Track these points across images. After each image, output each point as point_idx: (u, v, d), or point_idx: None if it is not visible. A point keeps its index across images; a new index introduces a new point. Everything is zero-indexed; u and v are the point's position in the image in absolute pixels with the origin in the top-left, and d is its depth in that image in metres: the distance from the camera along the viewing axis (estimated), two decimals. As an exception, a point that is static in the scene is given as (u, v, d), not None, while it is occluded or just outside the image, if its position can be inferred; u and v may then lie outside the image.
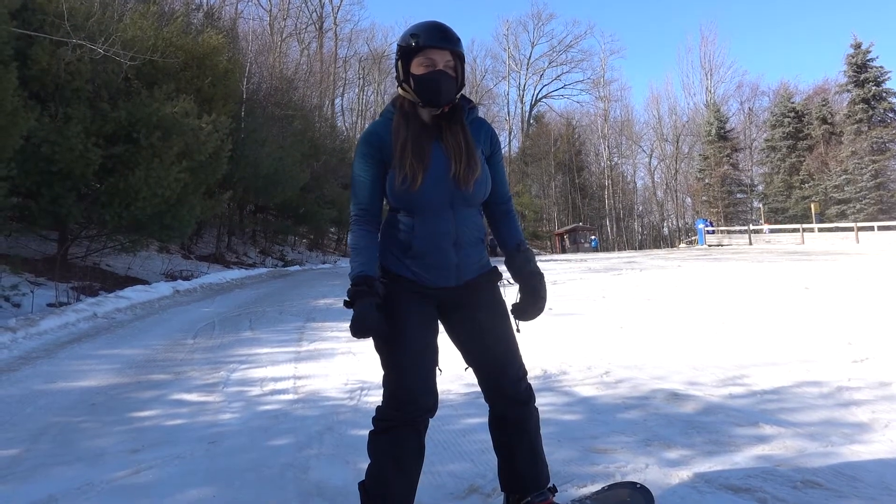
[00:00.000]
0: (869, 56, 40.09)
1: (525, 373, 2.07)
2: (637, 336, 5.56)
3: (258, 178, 19.70)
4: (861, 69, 40.06)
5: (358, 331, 1.83)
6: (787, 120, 44.22)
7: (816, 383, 3.75)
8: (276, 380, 4.37)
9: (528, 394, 2.07)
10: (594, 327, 6.10)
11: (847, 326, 5.55)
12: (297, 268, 21.99)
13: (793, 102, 45.36)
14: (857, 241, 25.56)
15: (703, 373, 4.09)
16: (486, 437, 2.92)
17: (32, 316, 7.46)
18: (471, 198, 1.94)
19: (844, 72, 41.20)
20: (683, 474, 2.48)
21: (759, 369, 4.12)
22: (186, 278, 13.95)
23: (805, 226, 30.19)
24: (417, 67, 1.90)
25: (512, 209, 2.14)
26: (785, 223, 36.09)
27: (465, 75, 2.00)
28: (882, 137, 38.09)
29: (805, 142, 43.03)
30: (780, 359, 4.40)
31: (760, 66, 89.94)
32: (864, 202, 36.56)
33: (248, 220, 25.70)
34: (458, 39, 1.94)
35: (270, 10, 44.68)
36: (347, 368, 4.63)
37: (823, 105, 43.22)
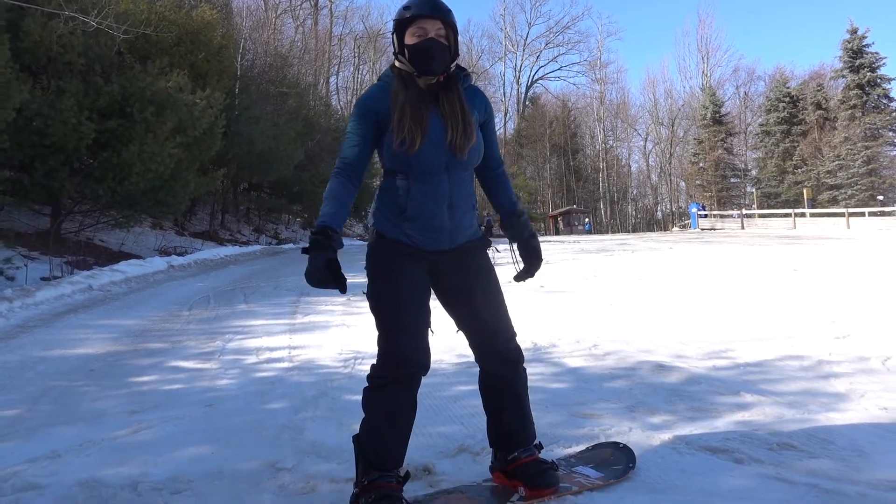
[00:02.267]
0: (864, 42, 40.08)
1: (514, 334, 2.14)
2: (626, 312, 5.66)
3: (252, 155, 19.66)
4: (856, 55, 40.07)
5: (309, 282, 1.92)
6: (781, 105, 44.27)
7: (798, 357, 3.85)
8: (271, 349, 4.45)
9: (517, 353, 2.15)
10: (584, 304, 6.20)
11: (832, 306, 5.67)
12: (290, 246, 22.03)
13: (788, 87, 45.39)
14: (848, 227, 25.79)
15: (689, 346, 4.19)
16: (476, 402, 3.01)
17: (28, 287, 7.50)
18: (466, 163, 2.01)
19: (840, 57, 41.22)
20: (665, 437, 2.58)
21: (743, 344, 4.23)
22: (181, 254, 13.98)
23: (797, 210, 30.39)
24: (410, 38, 1.96)
25: (504, 173, 2.22)
26: (777, 208, 36.28)
27: (458, 45, 2.05)
28: (875, 123, 38.22)
29: (799, 127, 43.13)
30: (765, 335, 4.51)
31: (757, 50, 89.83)
32: (855, 188, 36.78)
33: (242, 198, 25.67)
34: (449, 10, 2.00)
35: (265, -15, 44.12)
36: (342, 339, 4.71)
37: (818, 90, 43.28)
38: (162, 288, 8.68)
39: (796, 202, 35.74)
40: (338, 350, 4.33)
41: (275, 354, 4.29)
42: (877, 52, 40.02)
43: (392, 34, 2.03)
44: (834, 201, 36.54)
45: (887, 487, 2.06)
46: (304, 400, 3.20)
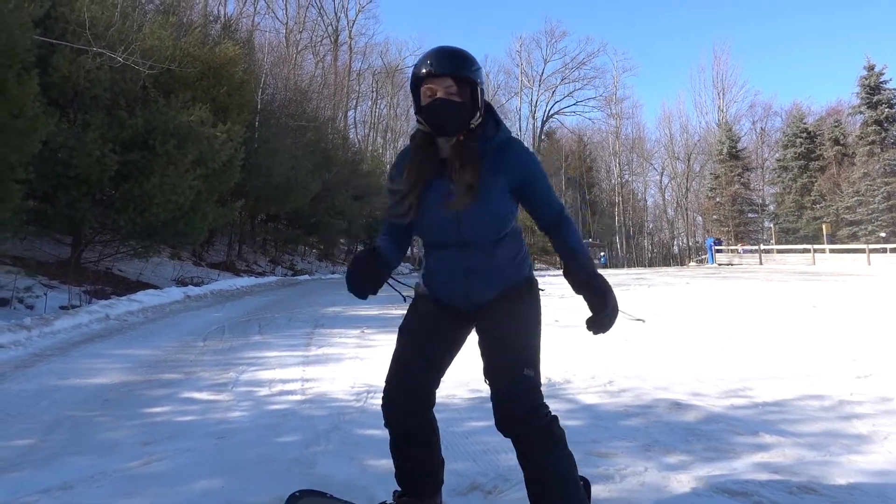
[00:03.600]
0: (882, 78, 40.06)
1: (531, 392, 1.86)
2: (642, 348, 5.60)
3: (270, 186, 19.92)
4: (874, 91, 40.02)
5: (347, 278, 1.95)
6: (798, 140, 44.16)
7: (819, 397, 3.78)
8: (284, 381, 4.44)
9: (529, 414, 1.84)
10: (599, 339, 6.12)
11: (852, 344, 5.57)
12: (306, 277, 22.14)
13: (805, 123, 45.32)
14: (869, 263, 25.42)
15: (706, 384, 4.13)
16: (489, 439, 3.00)
17: (46, 315, 7.58)
18: (479, 238, 1.89)
19: (857, 93, 41.20)
20: (682, 478, 2.53)
21: (762, 382, 4.16)
22: (197, 284, 14.10)
23: (816, 246, 30.05)
24: (423, 98, 1.86)
25: (562, 222, 1.97)
26: (796, 243, 35.93)
27: (481, 96, 1.88)
28: (895, 159, 37.94)
29: (817, 162, 42.93)
30: (784, 373, 4.43)
31: (773, 86, 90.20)
32: (875, 224, 36.37)
33: (259, 229, 25.93)
34: (463, 61, 1.84)
35: (287, 22, 45.32)
36: (355, 372, 4.70)
37: (836, 126, 43.16)
38: (178, 318, 8.74)
39: (815, 238, 35.37)
40: (350, 383, 4.32)
41: (288, 387, 4.28)
42: (894, 89, 39.94)
43: (410, 92, 1.94)
44: (854, 237, 36.13)
45: (913, 535, 2.00)
46: (316, 434, 3.18)
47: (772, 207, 46.99)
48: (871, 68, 40.42)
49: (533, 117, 61.51)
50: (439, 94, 1.82)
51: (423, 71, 1.83)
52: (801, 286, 13.60)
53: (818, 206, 41.03)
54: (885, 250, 27.11)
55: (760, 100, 64.25)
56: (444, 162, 1.89)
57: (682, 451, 2.85)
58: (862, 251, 27.38)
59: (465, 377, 4.28)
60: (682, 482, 2.48)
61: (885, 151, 38.42)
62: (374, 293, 1.93)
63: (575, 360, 5.01)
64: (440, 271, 1.98)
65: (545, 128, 61.86)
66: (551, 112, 62.07)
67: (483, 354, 1.94)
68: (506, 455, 2.78)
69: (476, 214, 1.84)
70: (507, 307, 1.93)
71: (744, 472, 2.58)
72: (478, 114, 1.86)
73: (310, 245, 30.34)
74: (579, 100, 61.33)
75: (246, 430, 3.31)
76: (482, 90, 1.88)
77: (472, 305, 1.96)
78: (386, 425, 2.04)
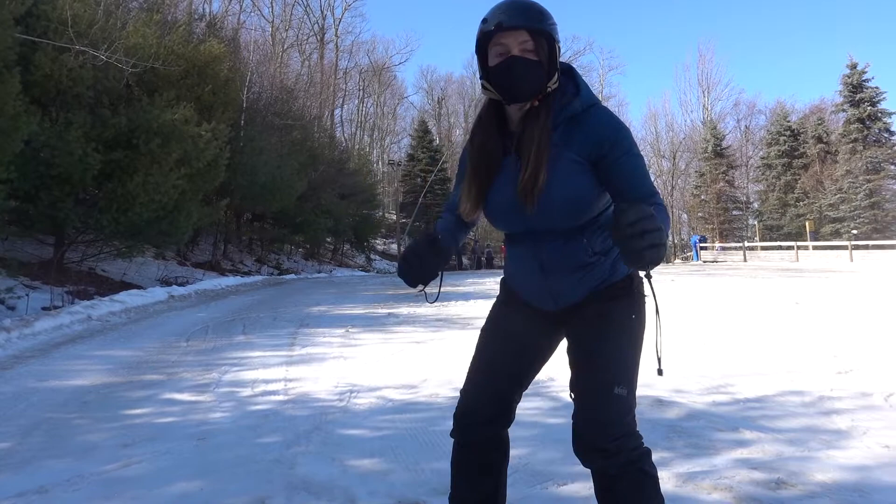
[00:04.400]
0: (864, 76, 40.44)
1: (621, 416, 1.54)
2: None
3: (256, 186, 19.80)
4: (857, 89, 40.40)
5: (402, 265, 1.65)
6: (782, 138, 44.53)
7: (799, 392, 3.81)
8: (267, 381, 4.42)
9: (616, 443, 1.52)
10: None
11: (834, 340, 5.62)
12: (292, 276, 22.04)
13: (789, 121, 45.70)
14: (851, 260, 25.69)
15: (689, 381, 4.14)
16: (472, 438, 2.99)
17: (27, 317, 7.49)
18: (544, 227, 1.60)
19: (840, 91, 41.55)
20: (663, 475, 2.51)
21: (744, 378, 4.18)
22: (182, 284, 13.99)
23: (800, 243, 30.34)
24: (492, 58, 1.56)
25: (653, 205, 1.41)
26: (780, 240, 36.24)
27: (558, 55, 1.57)
28: (877, 157, 38.36)
29: (800, 160, 43.32)
30: (766, 369, 4.46)
31: (757, 84, 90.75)
32: (858, 221, 36.78)
33: (245, 228, 25.79)
34: (540, 14, 1.54)
35: (273, 21, 45.05)
36: (338, 372, 4.68)
37: (819, 124, 43.57)
38: (161, 318, 8.66)
39: (798, 235, 35.71)
40: (334, 383, 4.30)
41: (270, 387, 4.25)
42: (877, 87, 40.35)
43: (475, 54, 1.62)
44: (837, 234, 36.50)
45: (889, 529, 2.01)
46: (297, 434, 3.16)
47: (756, 205, 47.38)
48: (853, 66, 40.80)
49: (519, 115, 61.62)
50: (514, 52, 1.52)
51: (493, 25, 1.53)
52: (785, 283, 13.72)
53: (801, 203, 41.41)
54: (867, 247, 27.41)
55: (745, 98, 64.65)
56: (512, 138, 1.61)
57: (664, 448, 2.86)
58: (844, 248, 27.67)
59: (449, 376, 4.29)
60: (663, 479, 2.46)
61: (867, 149, 38.81)
62: (426, 284, 1.67)
63: (558, 357, 5.00)
64: (517, 266, 1.73)
65: (532, 126, 62.03)
66: (537, 110, 62.17)
67: (571, 365, 1.66)
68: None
69: (544, 198, 1.53)
70: (599, 310, 1.62)
71: (724, 468, 2.60)
72: (555, 75, 1.55)
73: (296, 244, 30.20)
74: (566, 98, 61.48)
75: (227, 431, 3.29)
76: (559, 48, 1.57)
77: (557, 306, 1.67)
78: (453, 435, 1.80)
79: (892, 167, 39.40)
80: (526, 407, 3.67)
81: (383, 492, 2.42)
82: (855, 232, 33.89)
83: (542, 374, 4.38)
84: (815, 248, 29.83)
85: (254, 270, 22.65)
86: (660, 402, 3.62)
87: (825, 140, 42.56)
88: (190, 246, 20.11)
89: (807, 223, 35.10)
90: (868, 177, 37.49)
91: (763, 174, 46.17)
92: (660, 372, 1.57)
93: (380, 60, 56.10)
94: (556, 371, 4.45)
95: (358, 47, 54.32)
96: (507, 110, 1.62)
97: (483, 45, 1.57)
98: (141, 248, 14.49)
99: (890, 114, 40.04)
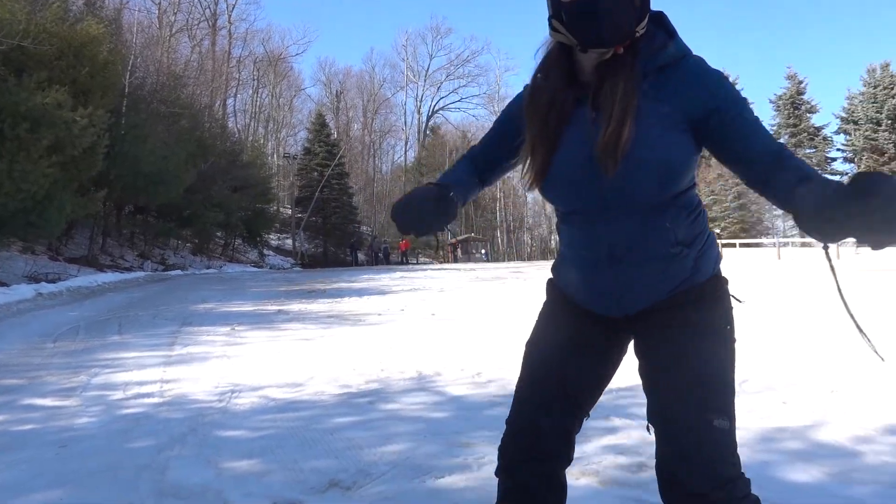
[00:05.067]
0: (736, 87, 43.85)
1: (724, 454, 1.23)
2: (514, 340, 5.78)
3: (139, 176, 18.70)
4: (730, 100, 43.72)
5: (399, 214, 1.32)
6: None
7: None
8: (141, 383, 4.19)
9: (716, 490, 1.20)
10: (473, 332, 6.29)
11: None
12: (178, 272, 21.03)
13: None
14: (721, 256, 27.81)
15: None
16: (354, 435, 3.00)
17: None
18: (623, 200, 1.25)
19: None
20: (536, 463, 2.64)
21: (622, 369, 4.42)
22: (52, 281, 12.99)
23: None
24: None
25: (784, 156, 1.19)
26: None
27: None
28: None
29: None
30: (638, 360, 4.75)
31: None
32: (727, 221, 39.84)
33: (126, 222, 24.32)
34: None
35: (160, 2, 42.61)
36: (220, 371, 4.52)
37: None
38: (26, 318, 8.01)
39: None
40: (214, 383, 4.15)
41: (144, 389, 4.04)
42: (746, 98, 43.89)
43: None
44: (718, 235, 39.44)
45: (732, 504, 2.20)
46: (171, 437, 3.03)
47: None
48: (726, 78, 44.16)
49: (418, 112, 61.95)
50: None
51: None
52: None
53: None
54: (734, 245, 29.77)
55: None
56: (584, 89, 1.28)
57: (539, 438, 2.98)
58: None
59: (336, 373, 4.26)
60: (536, 467, 2.60)
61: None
62: (419, 236, 1.39)
63: (447, 353, 5.09)
64: (575, 255, 1.37)
65: (430, 123, 62.47)
66: (436, 108, 62.82)
67: (646, 387, 1.36)
68: (369, 450, 2.80)
69: (628, 162, 1.20)
70: (684, 318, 1.29)
71: (593, 454, 2.75)
72: (645, 19, 1.22)
73: (183, 239, 28.79)
74: (464, 97, 62.59)
75: (92, 436, 3.09)
76: None
77: (623, 311, 1.34)
78: (498, 474, 1.48)
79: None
80: (410, 402, 3.72)
81: (260, 493, 2.37)
82: (717, 231, 36.67)
83: (430, 369, 4.47)
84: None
85: (135, 266, 21.40)
86: (539, 394, 3.77)
87: (702, 145, 45.77)
88: (63, 239, 18.70)
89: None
90: (737, 180, 40.58)
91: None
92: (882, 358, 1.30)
93: (276, 50, 54.56)
94: (443, 366, 4.54)
95: (252, 35, 52.55)
96: (578, 58, 1.27)
97: None
98: (5, 242, 13.32)
99: (757, 123, 43.61)
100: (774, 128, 42.29)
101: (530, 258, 50.75)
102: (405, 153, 59.87)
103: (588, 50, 1.22)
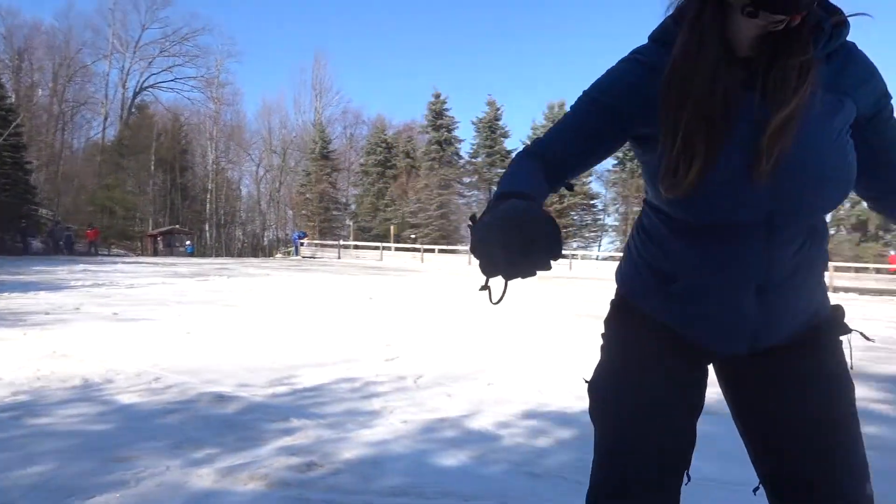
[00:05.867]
0: (445, 106, 47.88)
1: None
2: (203, 341, 5.51)
3: None
4: (438, 116, 47.57)
5: (488, 247, 0.84)
6: (379, 149, 49.62)
7: (352, 379, 4.26)
8: None
9: None
10: (160, 333, 5.84)
11: (391, 331, 6.47)
12: None
13: (385, 134, 51.17)
14: (422, 261, 30.10)
15: (256, 374, 4.27)
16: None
17: None
18: (793, 212, 1.01)
19: (426, 116, 48.39)
20: (203, 472, 2.54)
21: (308, 369, 4.50)
22: None
23: (384, 244, 34.27)
24: None
25: None
26: (370, 241, 40.25)
27: None
28: (448, 176, 45.78)
29: (392, 171, 48.90)
30: (329, 359, 4.88)
31: (364, 97, 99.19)
32: (430, 228, 43.33)
33: None
34: None
35: None
36: None
37: (409, 141, 49.87)
38: None
39: (385, 237, 40.25)
40: None
41: None
42: (453, 117, 48.20)
43: None
44: (414, 238, 42.38)
45: (389, 493, 2.38)
46: None
47: (353, 207, 51.79)
48: (437, 96, 47.92)
49: (123, 86, 55.25)
50: None
51: None
52: (367, 279, 15.30)
53: (389, 209, 46.79)
54: (434, 250, 32.54)
55: (352, 107, 69.38)
56: (746, 68, 1.00)
57: (213, 445, 2.87)
58: (418, 250, 32.35)
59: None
60: (203, 476, 2.50)
61: (442, 168, 46.02)
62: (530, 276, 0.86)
63: (125, 356, 4.64)
64: (703, 285, 1.08)
65: (137, 100, 56.29)
66: (146, 84, 56.78)
67: (759, 441, 1.13)
68: (2, 475, 2.40)
69: (807, 165, 0.97)
70: (815, 361, 1.10)
71: (265, 457, 2.73)
72: None
73: None
74: (179, 77, 57.58)
75: None
76: None
77: (754, 347, 1.09)
78: None
79: (459, 185, 47.52)
80: (67, 414, 3.31)
81: None
82: (413, 236, 39.87)
83: (98, 377, 4.03)
84: (396, 249, 34.07)
85: None
86: (221, 398, 3.64)
87: (412, 156, 48.90)
88: None
89: (392, 227, 39.84)
90: (440, 191, 44.40)
91: (361, 179, 50.74)
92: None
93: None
94: (117, 372, 4.12)
95: None
96: (735, 26, 0.98)
97: None
98: None
99: (460, 140, 48.29)
100: (475, 147, 47.22)
101: (241, 254, 48.92)
102: (104, 130, 52.75)
103: (760, 13, 0.92)
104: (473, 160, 47.90)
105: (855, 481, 1.02)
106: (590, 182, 45.33)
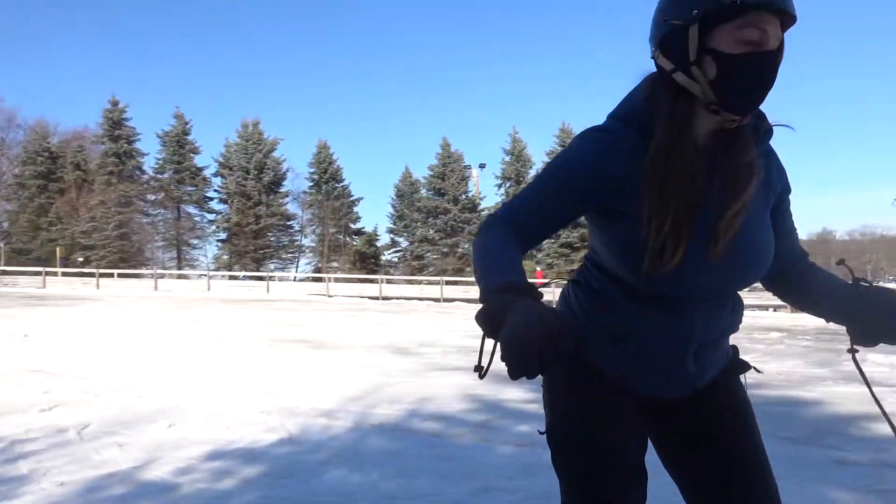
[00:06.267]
0: (124, 115, 43.31)
1: None
2: None
3: None
4: (117, 125, 42.83)
5: (518, 352, 0.84)
6: (40, 159, 42.80)
7: (-5, 440, 3.58)
8: None
9: None
10: None
11: (51, 375, 5.60)
12: None
13: (49, 142, 44.34)
14: (98, 287, 26.67)
15: None
16: None
17: None
18: (738, 279, 1.18)
19: (101, 124, 43.17)
20: None
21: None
22: None
23: (49, 269, 29.50)
24: (731, 41, 1.04)
25: (807, 257, 1.32)
26: (29, 265, 34.35)
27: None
28: (129, 192, 41.41)
29: (58, 184, 42.56)
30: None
31: (20, 96, 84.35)
32: (107, 249, 38.64)
33: None
34: None
35: None
36: None
37: (79, 151, 43.92)
38: None
39: (49, 261, 34.69)
40: None
41: None
42: (134, 127, 43.84)
43: (680, 25, 1.07)
44: (87, 261, 37.30)
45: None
46: None
47: (5, 225, 43.67)
48: (115, 103, 43.11)
49: None
50: (771, 46, 1.05)
51: None
52: (23, 312, 13.01)
53: (55, 228, 40.56)
54: (112, 275, 29.07)
55: (3, 107, 57.50)
56: (707, 157, 1.13)
57: None
58: (93, 275, 28.56)
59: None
60: None
61: (122, 183, 41.48)
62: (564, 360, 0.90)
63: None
64: (652, 344, 1.21)
65: None
66: None
67: (698, 475, 1.25)
68: None
69: (753, 247, 1.15)
70: (728, 391, 1.28)
71: None
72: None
73: None
74: None
75: None
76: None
77: (691, 390, 1.25)
78: None
79: (142, 202, 43.39)
80: None
81: None
82: (81, 259, 35.62)
83: None
84: (64, 274, 29.72)
85: None
86: None
87: (84, 168, 43.21)
88: None
89: (58, 249, 34.57)
90: (120, 209, 40.00)
91: (15, 193, 43.11)
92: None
93: None
94: None
95: None
96: (696, 121, 1.12)
97: (718, 18, 1.04)
98: None
99: (143, 154, 44.12)
100: (161, 162, 43.57)
101: None
102: None
103: (722, 112, 1.09)
104: (159, 176, 44.20)
105: (774, 495, 1.22)
106: (286, 203, 45.33)
